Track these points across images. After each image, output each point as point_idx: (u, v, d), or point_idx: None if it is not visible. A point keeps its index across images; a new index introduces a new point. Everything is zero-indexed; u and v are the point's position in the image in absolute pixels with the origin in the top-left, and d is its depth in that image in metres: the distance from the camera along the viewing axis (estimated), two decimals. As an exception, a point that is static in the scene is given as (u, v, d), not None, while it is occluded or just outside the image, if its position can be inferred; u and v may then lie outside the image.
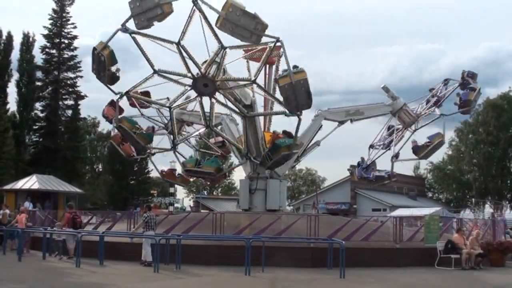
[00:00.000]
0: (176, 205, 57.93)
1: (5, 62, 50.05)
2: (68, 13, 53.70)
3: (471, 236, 20.91)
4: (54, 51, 53.92)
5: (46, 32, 53.36)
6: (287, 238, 19.38)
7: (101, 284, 14.74)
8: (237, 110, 23.05)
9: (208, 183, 53.73)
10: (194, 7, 19.84)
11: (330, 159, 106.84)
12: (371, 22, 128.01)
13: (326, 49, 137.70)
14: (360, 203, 65.51)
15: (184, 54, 20.67)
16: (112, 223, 23.52)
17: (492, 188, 69.14)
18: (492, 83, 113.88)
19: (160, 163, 47.15)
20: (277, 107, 24.10)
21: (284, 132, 23.69)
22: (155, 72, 21.31)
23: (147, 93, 24.59)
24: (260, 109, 29.75)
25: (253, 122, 25.02)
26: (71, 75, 54.67)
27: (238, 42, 20.38)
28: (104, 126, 51.91)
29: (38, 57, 53.45)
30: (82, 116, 58.70)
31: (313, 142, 27.24)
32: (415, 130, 27.61)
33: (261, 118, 29.47)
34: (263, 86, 29.34)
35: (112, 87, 22.06)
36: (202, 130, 27.40)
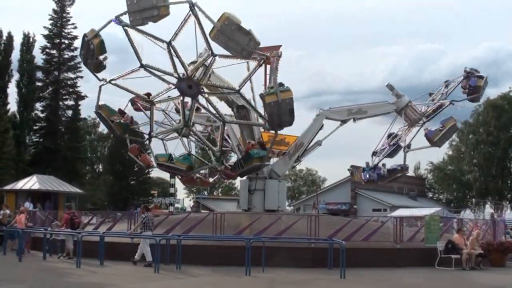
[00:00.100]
0: (176, 205, 57.91)
1: (6, 63, 50.07)
2: (68, 13, 53.72)
3: (471, 237, 20.92)
4: (54, 51, 53.92)
5: (46, 32, 53.37)
6: (287, 238, 19.38)
7: (102, 284, 14.74)
8: (216, 115, 23.16)
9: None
10: (190, 12, 20.02)
11: (331, 159, 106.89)
12: (371, 22, 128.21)
13: (326, 49, 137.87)
14: (360, 203, 65.51)
15: (174, 54, 20.90)
16: (113, 223, 23.53)
17: (493, 188, 69.10)
18: (492, 83, 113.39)
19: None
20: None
21: (259, 143, 24.23)
22: (142, 66, 21.42)
23: (148, 94, 24.60)
24: (260, 109, 29.87)
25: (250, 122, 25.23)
26: (71, 75, 54.67)
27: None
28: (104, 126, 51.72)
29: (39, 58, 53.50)
30: (82, 116, 58.76)
31: (314, 141, 26.97)
32: (424, 123, 27.12)
33: (261, 119, 29.52)
34: (263, 85, 29.66)
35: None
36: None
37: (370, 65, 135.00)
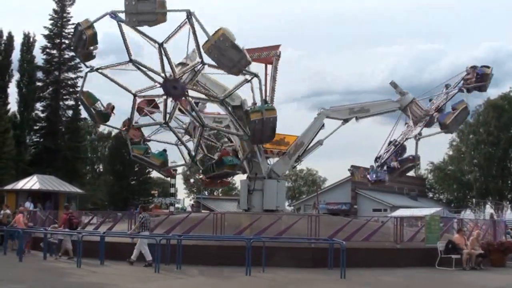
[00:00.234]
0: (177, 205, 57.95)
1: (6, 63, 50.10)
2: (68, 13, 53.69)
3: (471, 237, 20.91)
4: (54, 51, 53.92)
5: (46, 32, 53.39)
6: (287, 238, 19.38)
7: (102, 284, 14.75)
8: (196, 118, 23.61)
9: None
10: (187, 20, 20.27)
11: (331, 159, 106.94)
12: (371, 22, 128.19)
13: (326, 49, 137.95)
14: (360, 204, 65.47)
15: (164, 55, 21.22)
16: (113, 223, 23.53)
17: (493, 188, 69.09)
18: (492, 83, 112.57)
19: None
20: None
21: (234, 151, 24.99)
22: (130, 60, 21.65)
23: (153, 101, 25.32)
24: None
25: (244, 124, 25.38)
26: (71, 75, 54.63)
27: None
28: (105, 126, 51.76)
29: (39, 58, 53.50)
30: (82, 116, 58.44)
31: (315, 141, 26.82)
32: (431, 114, 26.49)
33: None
34: (263, 84, 29.74)
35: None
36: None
37: (370, 65, 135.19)
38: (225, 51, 19.58)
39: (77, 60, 53.06)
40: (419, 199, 72.29)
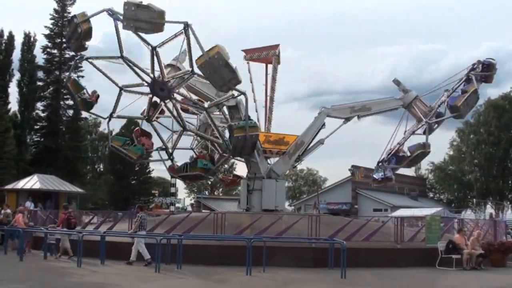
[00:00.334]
0: (177, 205, 57.94)
1: (7, 62, 50.13)
2: (69, 13, 53.49)
3: (472, 237, 20.90)
4: (55, 51, 53.94)
5: (47, 32, 53.43)
6: (288, 238, 19.37)
7: (104, 284, 14.76)
8: (178, 119, 24.27)
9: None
10: (183, 31, 20.62)
11: (332, 159, 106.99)
12: (371, 22, 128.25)
13: (326, 49, 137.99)
14: (361, 203, 65.44)
15: (156, 58, 21.71)
16: (113, 223, 23.53)
17: (493, 188, 69.07)
18: (493, 83, 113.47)
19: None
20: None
21: (210, 156, 25.65)
22: (121, 57, 21.98)
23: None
24: (261, 109, 30.03)
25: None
26: (72, 75, 54.58)
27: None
28: (105, 126, 51.95)
29: (40, 57, 53.54)
30: (83, 116, 58.65)
31: (316, 140, 26.69)
32: (439, 106, 25.96)
33: (262, 119, 29.68)
34: (263, 84, 30.04)
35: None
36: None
37: (370, 65, 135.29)
38: (218, 69, 19.99)
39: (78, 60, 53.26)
40: (419, 199, 72.29)
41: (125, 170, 64.87)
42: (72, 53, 53.58)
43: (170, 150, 25.54)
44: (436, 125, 26.47)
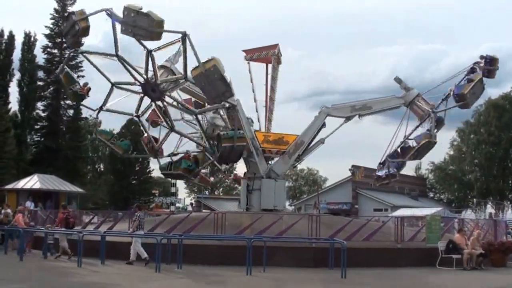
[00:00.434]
0: (177, 204, 57.95)
1: (7, 62, 50.12)
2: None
3: (472, 237, 20.89)
4: (55, 50, 53.94)
5: (47, 31, 53.42)
6: (288, 238, 19.37)
7: (104, 284, 14.76)
8: (167, 120, 24.65)
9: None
10: (180, 40, 20.82)
11: (332, 159, 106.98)
12: (371, 22, 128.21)
13: (326, 49, 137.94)
14: (361, 203, 65.50)
15: (150, 61, 22.03)
16: (114, 222, 23.53)
17: (494, 188, 69.09)
18: (493, 83, 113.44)
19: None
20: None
21: (195, 157, 26.02)
22: (116, 55, 22.26)
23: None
24: (261, 109, 30.03)
25: (238, 123, 25.60)
26: (72, 74, 54.53)
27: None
28: (105, 126, 51.92)
29: (40, 57, 53.50)
30: (83, 115, 58.54)
31: (316, 140, 26.57)
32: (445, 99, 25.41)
33: (262, 119, 29.67)
34: (264, 84, 30.08)
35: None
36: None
37: (371, 65, 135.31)
38: (213, 82, 20.22)
39: (79, 59, 53.32)
40: (420, 199, 72.34)
41: (125, 170, 64.85)
42: (73, 53, 53.85)
43: (157, 147, 26.13)
44: (443, 114, 25.84)
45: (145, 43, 21.66)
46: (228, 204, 54.87)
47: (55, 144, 51.85)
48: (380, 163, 26.79)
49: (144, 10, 20.18)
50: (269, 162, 27.39)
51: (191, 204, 64.49)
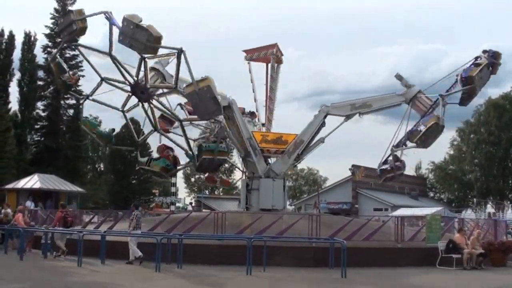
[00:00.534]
0: (177, 204, 57.95)
1: (7, 61, 50.14)
2: (70, 12, 53.66)
3: (472, 236, 20.90)
4: (55, 50, 53.82)
5: (47, 31, 53.38)
6: (288, 237, 19.37)
7: (105, 283, 14.76)
8: (152, 120, 25.05)
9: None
10: (176, 55, 20.91)
11: (332, 159, 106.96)
12: (371, 22, 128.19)
13: (326, 49, 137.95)
14: (361, 203, 65.50)
15: (143, 66, 22.16)
16: (114, 222, 23.53)
17: (494, 188, 69.09)
18: (493, 83, 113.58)
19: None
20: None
21: (174, 157, 26.34)
22: (110, 55, 22.35)
23: (173, 122, 27.01)
24: (261, 108, 30.07)
25: (235, 122, 25.82)
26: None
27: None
28: (106, 126, 51.92)
29: (40, 57, 53.38)
30: (84, 115, 58.59)
31: (316, 139, 26.52)
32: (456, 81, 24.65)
33: (262, 119, 29.72)
34: (264, 84, 30.12)
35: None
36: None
37: (371, 65, 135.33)
38: (204, 101, 20.50)
39: (79, 59, 53.38)
40: (420, 198, 72.35)
41: (125, 169, 64.81)
42: (73, 53, 53.85)
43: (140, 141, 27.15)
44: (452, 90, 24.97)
45: None
46: (228, 204, 54.90)
47: (55, 144, 51.83)
48: (382, 162, 26.24)
49: (144, 23, 20.20)
50: (269, 161, 27.45)
51: (191, 203, 64.55)
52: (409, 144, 25.07)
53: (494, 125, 68.50)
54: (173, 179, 55.04)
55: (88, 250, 18.42)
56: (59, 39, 51.98)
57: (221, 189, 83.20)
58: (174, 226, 20.77)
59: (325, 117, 26.44)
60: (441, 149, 77.92)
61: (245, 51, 30.88)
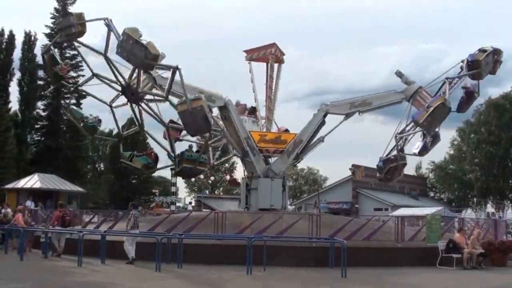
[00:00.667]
0: (178, 204, 57.95)
1: (7, 61, 50.24)
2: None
3: (472, 236, 20.90)
4: (56, 50, 53.76)
5: (48, 31, 53.35)
6: (288, 237, 19.37)
7: (105, 283, 14.76)
8: (139, 121, 24.80)
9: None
10: (171, 71, 20.93)
11: (332, 159, 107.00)
12: (371, 22, 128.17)
13: (326, 49, 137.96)
14: (361, 203, 65.48)
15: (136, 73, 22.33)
16: (114, 222, 23.53)
17: (494, 187, 69.06)
18: (493, 83, 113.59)
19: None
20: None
21: (155, 155, 26.22)
22: (105, 56, 22.36)
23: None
24: (262, 108, 30.06)
25: (232, 122, 25.85)
26: (73, 74, 54.47)
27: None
28: (106, 125, 51.94)
29: (40, 56, 53.31)
30: (84, 115, 58.55)
31: (316, 138, 26.52)
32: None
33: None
34: (264, 83, 30.07)
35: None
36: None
37: (371, 65, 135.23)
38: (196, 120, 20.65)
39: (79, 59, 53.25)
40: (420, 198, 72.30)
41: (125, 169, 64.59)
42: (73, 52, 53.84)
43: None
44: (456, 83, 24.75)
45: None
46: (228, 204, 54.94)
47: (55, 144, 51.85)
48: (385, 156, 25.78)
49: (144, 39, 20.10)
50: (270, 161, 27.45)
51: (190, 203, 64.60)
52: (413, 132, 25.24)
53: (494, 125, 68.47)
54: (173, 179, 55.00)
55: (88, 250, 18.42)
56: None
57: (221, 189, 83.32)
58: (174, 226, 20.78)
59: (324, 116, 26.39)
60: (441, 149, 77.95)
61: (245, 51, 30.89)
